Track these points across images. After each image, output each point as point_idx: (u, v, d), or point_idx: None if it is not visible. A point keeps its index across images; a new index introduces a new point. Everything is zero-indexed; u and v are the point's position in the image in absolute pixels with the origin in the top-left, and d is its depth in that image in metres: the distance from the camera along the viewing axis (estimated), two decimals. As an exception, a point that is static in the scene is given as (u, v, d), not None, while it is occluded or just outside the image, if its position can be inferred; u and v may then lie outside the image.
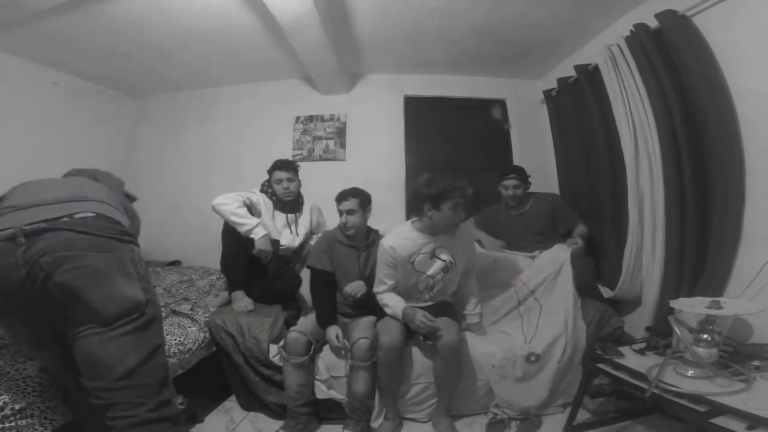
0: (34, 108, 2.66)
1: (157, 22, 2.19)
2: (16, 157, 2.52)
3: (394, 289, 1.89)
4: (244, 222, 2.06)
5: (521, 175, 2.46)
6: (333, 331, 1.82)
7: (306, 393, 1.77)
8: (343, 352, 1.81)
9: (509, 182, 2.43)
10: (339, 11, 2.16)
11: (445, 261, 1.85)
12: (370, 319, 1.93)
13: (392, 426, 1.76)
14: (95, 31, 2.26)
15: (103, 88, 3.16)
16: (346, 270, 1.96)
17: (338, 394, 1.81)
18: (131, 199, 1.43)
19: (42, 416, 1.21)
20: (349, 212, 1.90)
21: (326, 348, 1.88)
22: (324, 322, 1.87)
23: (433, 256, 1.83)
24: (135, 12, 2.09)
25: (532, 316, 2.01)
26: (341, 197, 1.93)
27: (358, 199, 1.91)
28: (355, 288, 1.92)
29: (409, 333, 1.84)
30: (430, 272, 1.86)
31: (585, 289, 2.20)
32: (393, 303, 1.83)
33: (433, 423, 1.79)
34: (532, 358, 1.82)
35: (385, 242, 1.83)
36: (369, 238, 2.00)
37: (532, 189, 2.53)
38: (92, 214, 1.05)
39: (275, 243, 2.18)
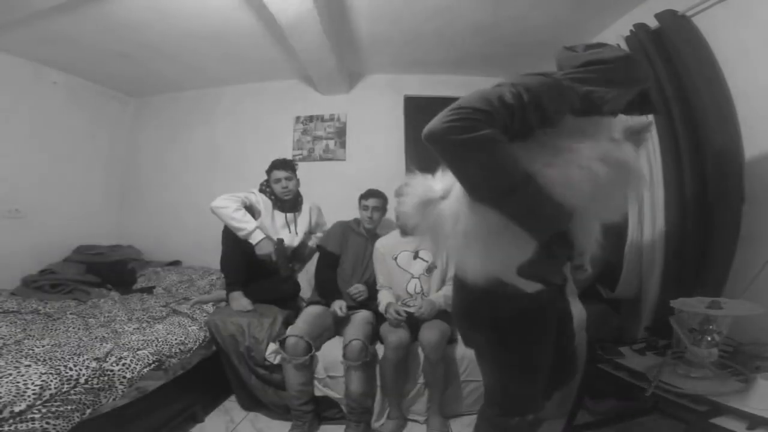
0: (34, 108, 2.65)
1: (157, 22, 2.19)
2: (16, 157, 2.52)
3: (390, 290, 2.01)
4: (242, 226, 2.07)
5: None
6: (337, 304, 1.97)
7: (308, 391, 1.80)
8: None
9: None
10: (339, 11, 2.16)
11: (427, 261, 1.99)
12: (364, 315, 1.95)
13: (396, 425, 1.77)
14: (95, 31, 2.26)
15: (103, 88, 3.16)
16: (357, 257, 2.15)
17: (335, 393, 1.82)
18: None
19: (43, 420, 1.15)
20: (375, 209, 2.13)
21: (324, 347, 1.90)
22: (328, 298, 2.04)
23: (416, 256, 2.00)
24: (135, 12, 2.09)
25: None
26: (370, 194, 2.15)
27: (383, 199, 2.18)
28: (356, 293, 2.04)
29: (414, 333, 1.86)
30: (413, 271, 1.99)
31: (584, 289, 2.19)
32: (381, 298, 1.97)
33: (428, 422, 1.80)
34: None
35: (377, 243, 2.08)
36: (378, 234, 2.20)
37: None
38: None
39: (280, 241, 2.18)
